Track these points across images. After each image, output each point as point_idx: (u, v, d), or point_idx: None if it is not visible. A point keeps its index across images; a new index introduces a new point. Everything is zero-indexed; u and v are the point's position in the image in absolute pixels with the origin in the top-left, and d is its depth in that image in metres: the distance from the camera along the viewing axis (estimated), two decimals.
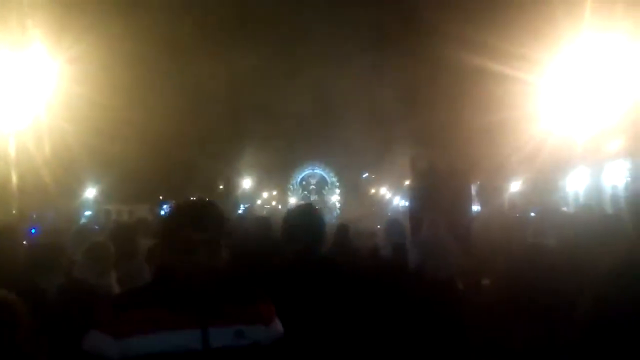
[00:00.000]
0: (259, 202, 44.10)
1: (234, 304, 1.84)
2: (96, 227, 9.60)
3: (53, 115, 13.60)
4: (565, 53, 12.30)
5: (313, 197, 57.07)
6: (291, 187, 54.68)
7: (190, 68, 21.73)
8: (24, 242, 4.43)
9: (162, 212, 31.43)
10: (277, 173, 47.99)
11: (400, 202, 33.30)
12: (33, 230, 7.15)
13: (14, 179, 13.05)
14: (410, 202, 7.14)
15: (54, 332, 2.59)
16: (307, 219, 2.62)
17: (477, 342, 4.23)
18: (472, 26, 15.65)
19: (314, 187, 57.69)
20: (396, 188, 36.85)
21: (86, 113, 14.96)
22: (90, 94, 14.34)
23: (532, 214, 16.01)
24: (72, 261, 3.37)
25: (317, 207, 2.80)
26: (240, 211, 32.81)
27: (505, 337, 3.99)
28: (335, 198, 54.12)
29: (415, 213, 6.39)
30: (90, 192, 25.85)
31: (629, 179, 14.52)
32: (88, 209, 25.88)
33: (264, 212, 38.29)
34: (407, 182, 30.54)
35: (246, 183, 37.55)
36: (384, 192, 43.07)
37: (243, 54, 27.44)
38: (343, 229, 5.55)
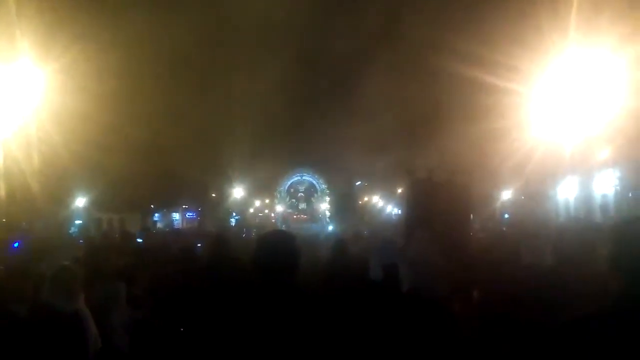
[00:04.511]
0: (251, 210, 43.81)
1: None
2: (80, 241, 9.50)
3: (42, 124, 13.50)
4: (553, 64, 12.40)
5: (301, 205, 55.89)
6: (278, 194, 53.39)
7: (180, 78, 21.68)
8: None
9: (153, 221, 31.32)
10: (269, 180, 47.63)
11: (392, 210, 33.29)
12: (16, 244, 7.05)
13: (3, 188, 12.93)
14: (405, 212, 6.94)
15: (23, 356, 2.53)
16: (278, 249, 2.50)
17: None
18: (463, 38, 15.77)
19: (302, 194, 56.34)
20: (388, 196, 36.79)
21: (75, 122, 14.86)
22: (79, 103, 14.25)
23: (506, 215, 15.99)
24: (42, 283, 3.32)
25: (291, 235, 2.67)
26: (232, 220, 32.67)
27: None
28: (324, 206, 53.26)
29: (410, 223, 6.21)
30: (81, 201, 25.67)
31: (618, 187, 14.61)
32: (78, 218, 25.69)
33: (257, 221, 38.08)
34: (400, 191, 30.59)
35: (237, 192, 37.27)
36: (376, 200, 42.98)
37: (232, 63, 27.51)
38: (340, 246, 5.45)
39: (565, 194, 16.78)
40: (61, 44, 12.24)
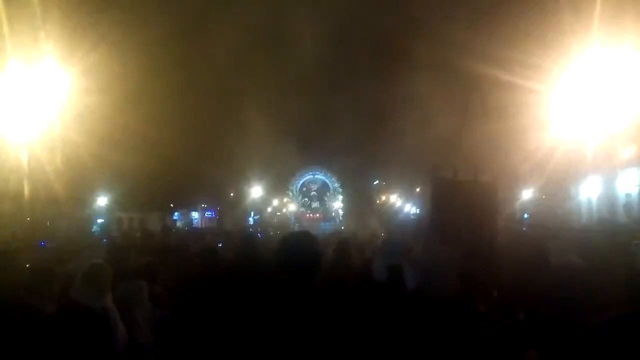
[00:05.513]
0: (269, 209, 43.94)
1: None
2: (104, 240, 9.68)
3: (65, 125, 13.77)
4: (576, 62, 12.23)
5: (314, 204, 55.45)
6: (290, 193, 52.86)
7: (199, 80, 22.01)
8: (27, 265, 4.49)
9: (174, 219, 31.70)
10: (285, 179, 47.52)
11: (411, 210, 33.01)
12: (42, 243, 7.23)
13: (28, 188, 13.23)
14: (429, 210, 6.76)
15: (51, 353, 2.60)
16: (300, 250, 2.56)
17: None
18: (485, 37, 15.65)
19: (315, 193, 55.71)
20: (407, 196, 36.50)
21: (97, 123, 15.16)
22: (101, 105, 14.52)
23: (526, 215, 15.78)
24: (69, 281, 3.40)
25: (314, 236, 2.70)
26: (250, 220, 32.81)
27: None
28: (338, 205, 52.72)
29: (433, 222, 6.09)
30: (102, 200, 26.14)
31: None
32: (100, 217, 26.17)
33: (275, 221, 38.19)
34: (417, 190, 30.37)
35: (256, 191, 37.42)
36: (394, 199, 42.76)
37: (249, 64, 27.77)
38: (343, 246, 5.45)
39: (588, 193, 16.50)
40: (85, 46, 12.50)
